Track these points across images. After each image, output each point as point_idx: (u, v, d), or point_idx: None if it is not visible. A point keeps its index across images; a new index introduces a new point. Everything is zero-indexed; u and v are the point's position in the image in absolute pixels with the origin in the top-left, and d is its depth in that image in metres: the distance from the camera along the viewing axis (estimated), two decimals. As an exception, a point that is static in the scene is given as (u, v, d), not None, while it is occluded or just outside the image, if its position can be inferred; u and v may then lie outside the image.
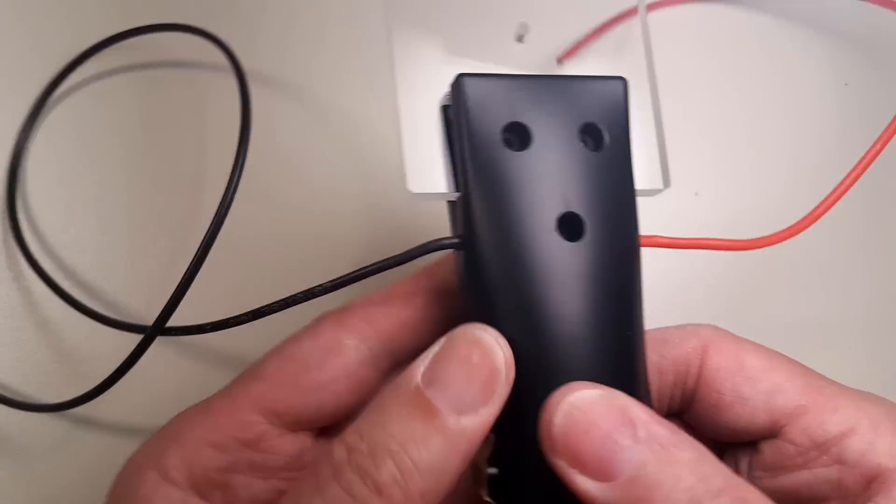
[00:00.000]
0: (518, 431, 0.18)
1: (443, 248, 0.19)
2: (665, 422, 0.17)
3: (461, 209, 0.19)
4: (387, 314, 0.21)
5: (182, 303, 0.21)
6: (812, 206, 0.32)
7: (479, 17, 0.22)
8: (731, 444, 0.21)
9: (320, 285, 0.19)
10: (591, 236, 0.19)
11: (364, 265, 0.19)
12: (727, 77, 0.36)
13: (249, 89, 0.25)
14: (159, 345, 0.22)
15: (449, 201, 0.20)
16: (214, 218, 0.22)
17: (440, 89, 0.20)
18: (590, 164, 0.19)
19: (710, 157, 0.34)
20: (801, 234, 0.25)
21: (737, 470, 0.21)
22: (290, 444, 0.20)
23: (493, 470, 0.19)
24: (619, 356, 0.19)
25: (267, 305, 0.20)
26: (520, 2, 0.22)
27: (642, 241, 0.20)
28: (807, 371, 0.21)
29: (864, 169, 0.27)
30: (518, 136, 0.19)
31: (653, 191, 0.21)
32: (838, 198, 0.26)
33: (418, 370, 0.17)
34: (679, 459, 0.16)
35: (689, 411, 0.21)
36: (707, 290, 0.32)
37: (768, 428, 0.20)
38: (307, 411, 0.20)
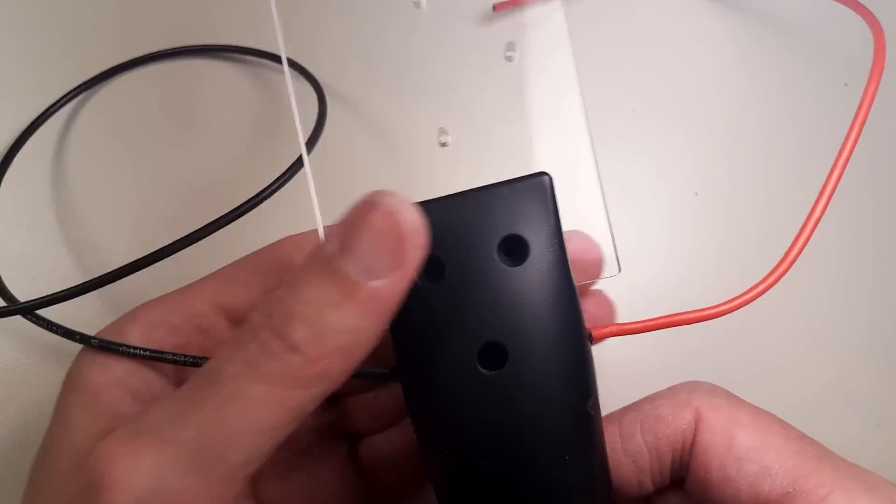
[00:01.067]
0: None
1: (376, 376, 0.20)
2: None
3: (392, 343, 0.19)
4: None
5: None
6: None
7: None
8: None
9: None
10: (514, 363, 0.18)
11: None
12: (727, 77, 0.36)
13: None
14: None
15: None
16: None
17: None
18: (511, 283, 0.18)
19: (710, 157, 0.34)
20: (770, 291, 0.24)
21: None
22: None
23: None
24: (562, 482, 0.18)
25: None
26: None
27: (596, 333, 0.20)
28: (802, 447, 0.19)
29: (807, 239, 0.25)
30: (431, 266, 0.18)
31: (605, 278, 0.21)
32: (795, 258, 0.26)
33: (331, 239, 0.17)
34: None
35: (686, 482, 0.21)
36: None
37: None
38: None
